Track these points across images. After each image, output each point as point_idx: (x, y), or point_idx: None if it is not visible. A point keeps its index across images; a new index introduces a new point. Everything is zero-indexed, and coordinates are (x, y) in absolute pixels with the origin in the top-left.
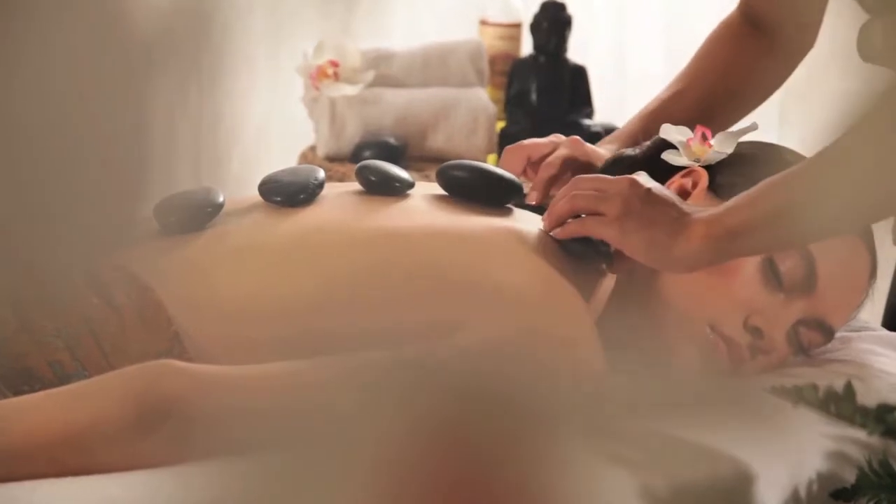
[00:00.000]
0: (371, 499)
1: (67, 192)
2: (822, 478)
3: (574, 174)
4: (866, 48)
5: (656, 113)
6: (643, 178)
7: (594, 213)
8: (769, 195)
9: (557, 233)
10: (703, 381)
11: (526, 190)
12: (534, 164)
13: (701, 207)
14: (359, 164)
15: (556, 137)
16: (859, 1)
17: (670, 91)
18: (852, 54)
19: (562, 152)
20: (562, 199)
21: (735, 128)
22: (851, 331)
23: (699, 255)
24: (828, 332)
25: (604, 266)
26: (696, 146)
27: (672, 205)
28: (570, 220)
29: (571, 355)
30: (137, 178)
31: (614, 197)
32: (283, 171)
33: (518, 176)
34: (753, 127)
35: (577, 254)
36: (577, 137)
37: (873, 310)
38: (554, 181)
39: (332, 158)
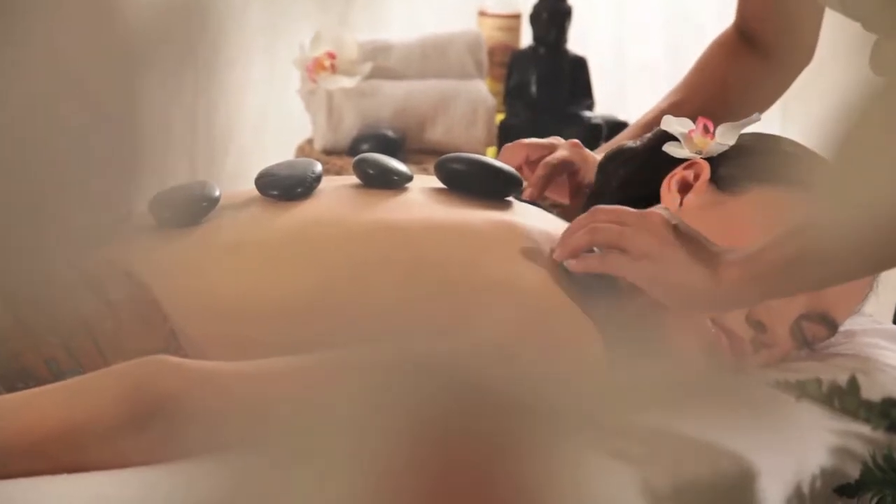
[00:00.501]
0: (370, 498)
1: (60, 187)
2: (826, 473)
3: (570, 178)
4: (879, 65)
5: (654, 123)
6: (668, 213)
7: (615, 248)
8: (802, 234)
9: (572, 265)
10: (704, 376)
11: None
12: (531, 164)
13: (730, 248)
14: (356, 158)
15: (556, 140)
16: (863, 22)
17: (668, 101)
18: (853, 49)
19: (561, 153)
20: (579, 230)
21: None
22: (856, 325)
23: (730, 298)
24: (831, 326)
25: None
26: (697, 138)
27: (701, 244)
28: (586, 254)
29: (572, 351)
30: (131, 173)
31: (639, 233)
32: (279, 164)
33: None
34: (756, 118)
35: (589, 288)
36: (577, 141)
37: (878, 303)
38: (550, 180)
39: (329, 152)
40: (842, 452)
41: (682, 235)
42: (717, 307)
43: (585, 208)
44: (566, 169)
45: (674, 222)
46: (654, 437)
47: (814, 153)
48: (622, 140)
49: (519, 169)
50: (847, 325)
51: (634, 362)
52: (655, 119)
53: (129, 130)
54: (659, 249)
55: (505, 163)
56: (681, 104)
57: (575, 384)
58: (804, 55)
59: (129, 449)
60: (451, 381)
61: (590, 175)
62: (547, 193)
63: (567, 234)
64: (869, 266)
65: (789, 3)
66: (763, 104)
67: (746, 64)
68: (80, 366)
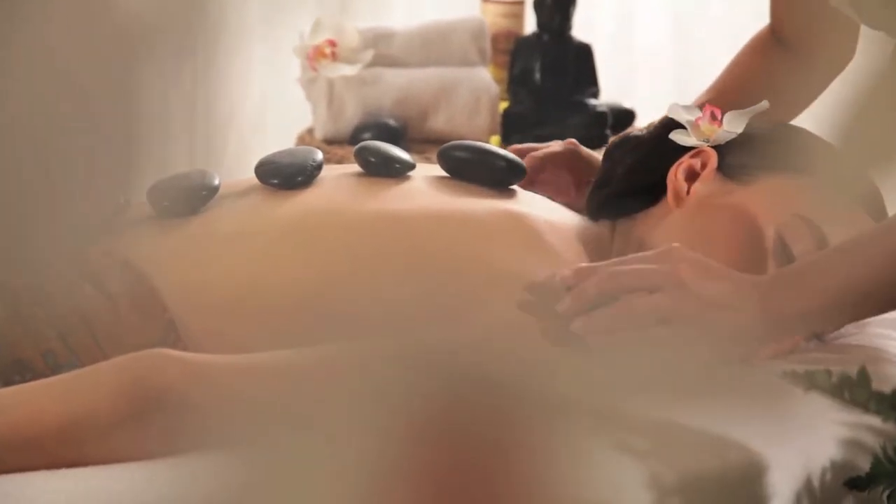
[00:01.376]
0: (369, 493)
1: (56, 179)
2: (836, 466)
3: (568, 170)
4: (868, 14)
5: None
6: (682, 248)
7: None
8: (843, 266)
9: (584, 329)
10: (711, 367)
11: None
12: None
13: (756, 277)
14: (358, 146)
15: (555, 143)
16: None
17: (698, 102)
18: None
19: (550, 149)
20: (594, 278)
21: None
22: None
23: (780, 328)
24: None
25: None
26: (704, 126)
27: (732, 273)
28: (602, 310)
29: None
30: (127, 164)
31: (663, 270)
32: (280, 152)
33: None
34: (763, 106)
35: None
36: (574, 140)
37: None
38: (536, 173)
39: (330, 141)
40: (852, 445)
41: (705, 266)
42: (767, 341)
43: (590, 197)
44: (558, 164)
45: (691, 255)
46: (661, 430)
47: (823, 141)
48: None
49: None
50: None
51: (640, 352)
52: None
53: (125, 120)
54: (698, 280)
55: None
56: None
57: (580, 374)
58: (843, 55)
59: (127, 444)
60: (452, 374)
61: (589, 173)
62: (539, 191)
63: (575, 289)
64: None
65: (823, 7)
66: (796, 107)
67: (781, 65)
68: (77, 359)
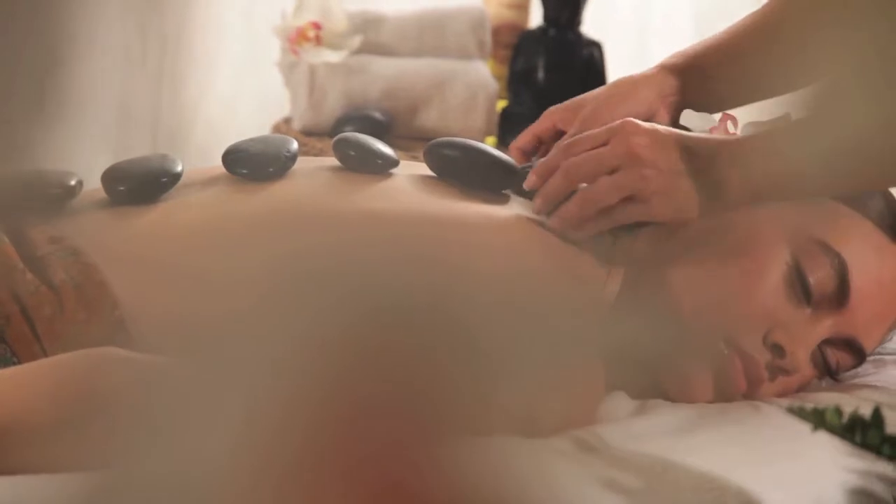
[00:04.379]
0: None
1: None
2: None
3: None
4: None
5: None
6: (632, 121)
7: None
8: (814, 134)
9: (554, 223)
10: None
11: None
12: (545, 147)
13: (719, 138)
14: (337, 137)
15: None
16: None
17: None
18: None
19: (533, 127)
20: (555, 175)
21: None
22: (886, 353)
23: (728, 194)
24: (858, 354)
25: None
26: (719, 136)
27: (701, 161)
28: (568, 203)
29: (569, 380)
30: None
31: (618, 150)
32: (251, 140)
33: (526, 159)
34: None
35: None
36: (550, 109)
37: None
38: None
39: (308, 132)
40: (861, 495)
41: (664, 134)
42: (732, 204)
43: None
44: (545, 136)
45: (647, 127)
46: (652, 467)
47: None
48: (689, 54)
49: (530, 155)
50: (877, 355)
51: (634, 382)
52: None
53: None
54: (653, 152)
55: (514, 152)
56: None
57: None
58: None
59: (62, 452)
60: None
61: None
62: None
63: (544, 185)
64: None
65: None
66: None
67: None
68: (13, 354)
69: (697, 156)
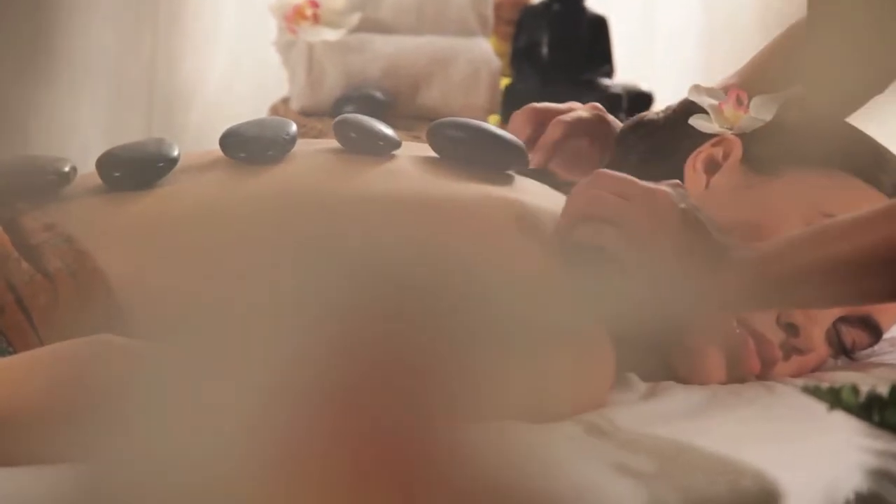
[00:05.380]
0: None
1: None
2: (861, 499)
3: (592, 141)
4: None
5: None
6: (677, 192)
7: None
8: (833, 240)
9: (563, 227)
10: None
11: None
12: (545, 128)
13: (742, 244)
14: (337, 119)
15: (575, 104)
16: None
17: (723, 85)
18: None
19: (579, 114)
20: (579, 196)
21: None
22: None
23: (737, 300)
24: (875, 332)
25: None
26: (729, 111)
27: (707, 235)
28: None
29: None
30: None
31: (640, 211)
32: (249, 122)
33: (524, 140)
34: (797, 92)
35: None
36: (598, 104)
37: None
38: (562, 144)
39: (307, 113)
40: (880, 476)
41: (689, 222)
42: (723, 306)
43: None
44: (583, 132)
45: (682, 205)
46: (665, 451)
47: (862, 133)
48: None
49: (529, 140)
50: (894, 333)
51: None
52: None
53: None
54: (655, 235)
55: (514, 129)
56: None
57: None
58: None
59: (62, 441)
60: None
61: (611, 149)
62: (557, 168)
63: (570, 199)
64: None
65: None
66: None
67: None
68: (8, 344)
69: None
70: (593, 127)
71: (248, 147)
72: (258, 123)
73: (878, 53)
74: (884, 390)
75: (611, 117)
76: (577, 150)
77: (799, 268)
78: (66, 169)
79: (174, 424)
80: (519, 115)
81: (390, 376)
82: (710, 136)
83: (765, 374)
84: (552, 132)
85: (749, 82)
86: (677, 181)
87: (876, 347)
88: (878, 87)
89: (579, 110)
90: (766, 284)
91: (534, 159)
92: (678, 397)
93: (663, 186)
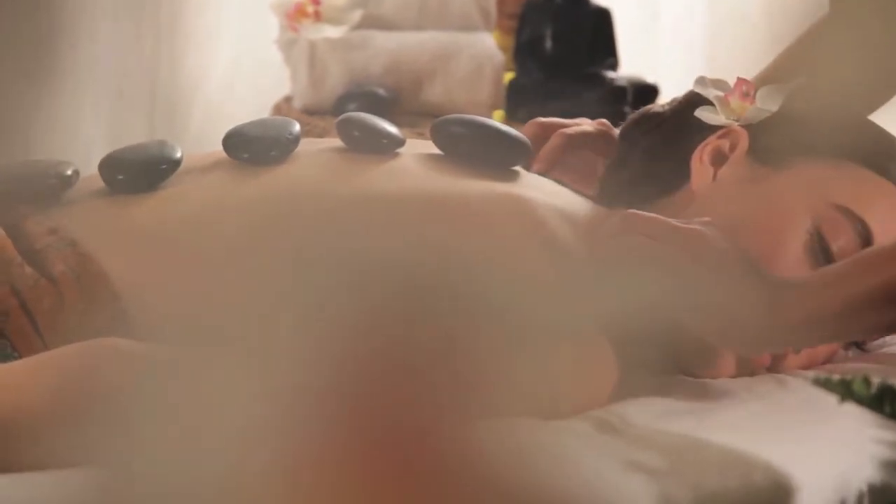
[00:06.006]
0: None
1: None
2: (875, 491)
3: (595, 155)
4: None
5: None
6: (711, 231)
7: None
8: (862, 276)
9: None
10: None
11: None
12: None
13: (789, 278)
14: (340, 117)
15: (583, 120)
16: None
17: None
18: None
19: (583, 128)
20: (610, 242)
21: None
22: None
23: (791, 336)
24: None
25: None
26: (735, 102)
27: (756, 267)
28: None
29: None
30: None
31: (682, 253)
32: (251, 123)
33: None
34: (803, 82)
35: None
36: (606, 121)
37: None
38: (562, 153)
39: (310, 111)
40: (893, 467)
41: (733, 261)
42: (770, 346)
43: (604, 182)
44: (585, 145)
45: (722, 245)
46: (675, 446)
47: (870, 122)
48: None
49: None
50: None
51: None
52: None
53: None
54: (702, 277)
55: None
56: None
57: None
58: None
59: (68, 446)
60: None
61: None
62: (559, 176)
63: (598, 243)
64: None
65: None
66: None
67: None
68: (13, 349)
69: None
70: (596, 141)
71: (251, 147)
72: (261, 123)
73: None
74: (895, 382)
75: (616, 131)
76: (578, 163)
77: (853, 295)
78: (69, 172)
79: (179, 428)
80: (524, 130)
81: (397, 376)
82: (717, 127)
83: (775, 366)
84: (552, 143)
85: (777, 76)
86: (707, 219)
87: (887, 338)
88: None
89: (585, 125)
90: (822, 321)
91: (535, 167)
92: (688, 392)
93: (694, 224)
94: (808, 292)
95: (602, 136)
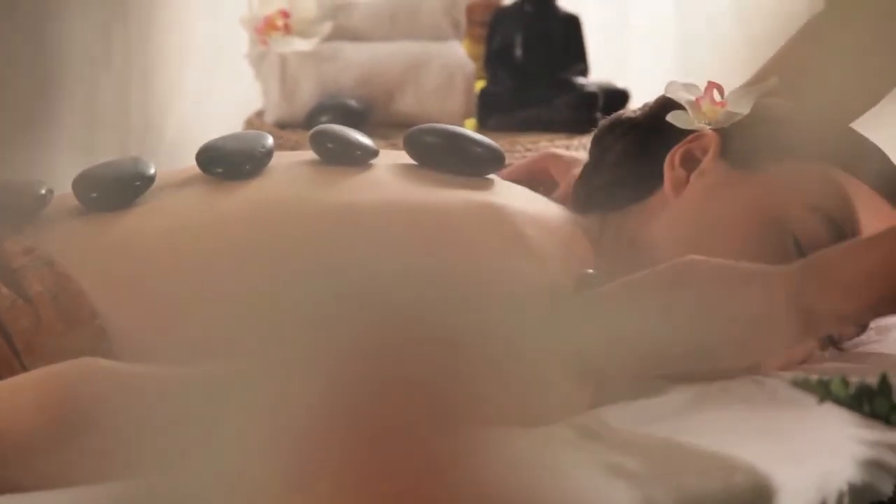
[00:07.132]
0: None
1: None
2: (855, 490)
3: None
4: None
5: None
6: (694, 256)
7: None
8: (876, 253)
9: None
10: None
11: None
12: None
13: (780, 270)
14: (313, 129)
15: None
16: None
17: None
18: None
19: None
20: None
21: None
22: (890, 319)
23: (793, 330)
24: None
25: None
26: (706, 106)
27: (737, 266)
28: None
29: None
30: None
31: (665, 280)
32: (224, 137)
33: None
34: (773, 83)
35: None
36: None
37: None
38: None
39: (282, 124)
40: (872, 466)
41: (728, 268)
42: (807, 333)
43: (577, 188)
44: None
45: (712, 263)
46: (656, 450)
47: (843, 124)
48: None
49: None
50: (880, 320)
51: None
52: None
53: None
54: (714, 285)
55: None
56: None
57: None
58: None
59: (48, 467)
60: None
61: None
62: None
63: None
64: None
65: None
66: None
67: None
68: None
69: None
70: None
71: (224, 162)
72: (234, 138)
73: (885, 56)
74: (873, 380)
75: (564, 153)
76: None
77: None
78: (42, 192)
79: (162, 446)
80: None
81: (381, 389)
82: (689, 132)
83: (753, 368)
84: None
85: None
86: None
87: (863, 337)
88: (883, 91)
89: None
90: (820, 287)
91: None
92: (667, 395)
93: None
94: (819, 266)
95: (539, 158)
